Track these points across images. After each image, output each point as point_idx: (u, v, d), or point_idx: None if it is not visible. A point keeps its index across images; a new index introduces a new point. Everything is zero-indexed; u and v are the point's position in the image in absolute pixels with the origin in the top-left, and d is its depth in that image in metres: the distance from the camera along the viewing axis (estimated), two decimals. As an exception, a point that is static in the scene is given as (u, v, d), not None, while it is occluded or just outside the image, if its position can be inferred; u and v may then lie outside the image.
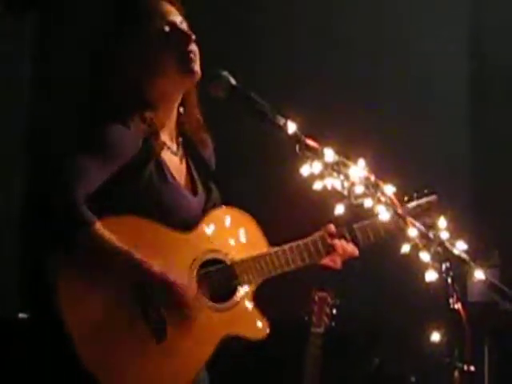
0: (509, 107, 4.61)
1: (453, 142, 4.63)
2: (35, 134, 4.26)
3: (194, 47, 2.59)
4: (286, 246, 2.71)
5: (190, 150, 2.72)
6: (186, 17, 2.64)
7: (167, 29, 2.58)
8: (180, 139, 2.70)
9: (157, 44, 2.57)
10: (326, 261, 2.80)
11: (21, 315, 3.50)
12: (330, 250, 2.77)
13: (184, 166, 2.69)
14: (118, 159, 2.47)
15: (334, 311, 3.54)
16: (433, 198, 2.88)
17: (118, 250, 2.39)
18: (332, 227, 2.79)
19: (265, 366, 4.02)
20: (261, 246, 2.71)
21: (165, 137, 2.63)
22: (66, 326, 2.33)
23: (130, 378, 2.40)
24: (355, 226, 2.81)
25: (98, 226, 2.37)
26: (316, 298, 3.55)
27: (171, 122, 2.66)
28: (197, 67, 2.59)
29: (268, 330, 2.65)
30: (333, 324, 3.54)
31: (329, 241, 2.77)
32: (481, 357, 3.96)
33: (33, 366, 2.45)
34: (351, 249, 2.80)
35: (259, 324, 2.65)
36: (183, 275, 2.50)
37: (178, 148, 2.68)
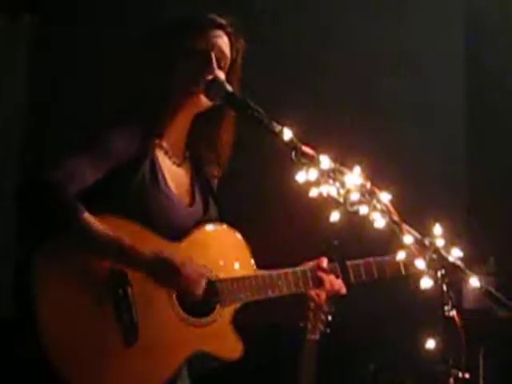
0: (505, 115, 4.61)
1: (449, 150, 4.63)
2: (30, 136, 4.25)
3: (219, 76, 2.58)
4: (274, 272, 2.70)
5: (195, 163, 2.72)
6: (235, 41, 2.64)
7: (203, 50, 2.58)
8: (187, 153, 2.69)
9: (183, 61, 2.57)
10: (312, 294, 2.80)
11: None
12: (318, 283, 2.76)
13: (187, 178, 2.68)
14: (113, 157, 2.46)
15: (330, 318, 3.54)
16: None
17: (108, 235, 2.38)
18: (325, 261, 2.79)
19: (260, 373, 4.01)
20: (248, 268, 2.69)
21: (169, 145, 2.62)
22: (37, 321, 2.33)
23: (96, 379, 2.39)
24: (348, 263, 2.80)
25: (87, 213, 2.36)
26: (311, 304, 3.55)
27: (180, 134, 2.66)
28: (202, 97, 2.58)
29: (241, 352, 2.62)
30: (328, 331, 3.53)
31: (318, 274, 2.75)
32: (476, 364, 3.96)
33: (14, 368, 2.44)
34: (338, 285, 2.79)
35: (233, 345, 2.63)
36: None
37: (183, 160, 2.67)
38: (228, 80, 2.59)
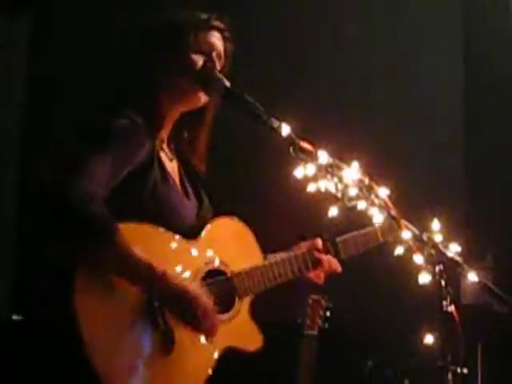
0: (504, 113, 4.61)
1: (447, 146, 4.63)
2: (29, 137, 4.25)
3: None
4: (278, 259, 2.72)
5: (183, 158, 2.73)
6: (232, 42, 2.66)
7: (203, 50, 2.58)
8: (172, 146, 2.70)
9: (185, 56, 2.57)
10: (311, 275, 2.82)
11: (14, 317, 3.49)
12: (317, 264, 2.78)
13: (178, 172, 2.69)
14: (132, 161, 2.43)
15: (328, 314, 3.54)
16: None
17: (140, 260, 2.34)
18: (319, 241, 2.81)
19: (258, 369, 4.01)
20: (257, 258, 2.72)
21: (163, 141, 2.64)
22: (78, 329, 2.28)
23: None
24: (338, 239, 2.83)
25: (121, 232, 2.31)
26: (310, 300, 3.55)
27: (169, 129, 2.67)
28: (201, 94, 2.58)
29: (262, 342, 2.66)
30: (326, 326, 3.54)
31: (316, 255, 2.78)
32: (474, 359, 3.96)
33: (26, 368, 2.44)
34: (335, 264, 2.82)
35: (255, 336, 2.67)
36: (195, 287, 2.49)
37: (172, 154, 2.68)
38: None
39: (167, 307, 2.41)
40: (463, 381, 2.12)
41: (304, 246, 2.81)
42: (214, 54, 2.60)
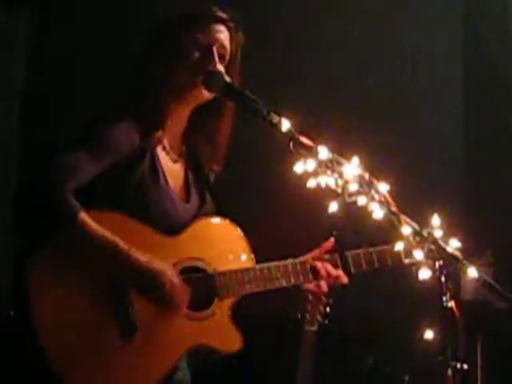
0: (504, 111, 4.61)
1: (447, 142, 4.64)
2: (28, 134, 4.25)
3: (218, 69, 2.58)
4: (272, 264, 2.69)
5: (191, 159, 2.71)
6: (236, 36, 2.65)
7: (204, 43, 2.58)
8: (183, 148, 2.69)
9: (185, 50, 2.57)
10: (311, 287, 2.79)
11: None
12: (315, 273, 2.75)
13: (182, 174, 2.67)
14: (113, 154, 2.45)
15: (328, 309, 3.54)
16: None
17: (105, 239, 2.37)
18: (323, 251, 2.78)
19: (257, 364, 4.01)
20: (246, 260, 2.68)
21: (167, 140, 2.62)
22: (33, 320, 2.32)
23: (95, 377, 2.38)
24: (348, 253, 2.79)
25: (84, 214, 2.35)
26: (310, 296, 3.55)
27: (178, 129, 2.65)
28: (203, 88, 2.57)
29: (241, 345, 2.61)
30: (326, 322, 3.53)
31: (313, 263, 2.74)
32: (474, 355, 3.96)
33: (11, 366, 2.44)
34: (336, 274, 2.77)
35: (233, 337, 2.62)
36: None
37: (179, 156, 2.67)
38: (228, 74, 2.59)
39: (129, 282, 2.40)
40: (463, 376, 2.12)
41: (306, 256, 2.78)
42: (214, 48, 2.59)
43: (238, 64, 2.68)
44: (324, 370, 3.63)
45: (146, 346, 2.44)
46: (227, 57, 2.64)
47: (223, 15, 2.64)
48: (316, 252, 2.78)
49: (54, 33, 4.22)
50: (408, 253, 2.73)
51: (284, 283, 2.69)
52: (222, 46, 2.61)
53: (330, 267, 2.76)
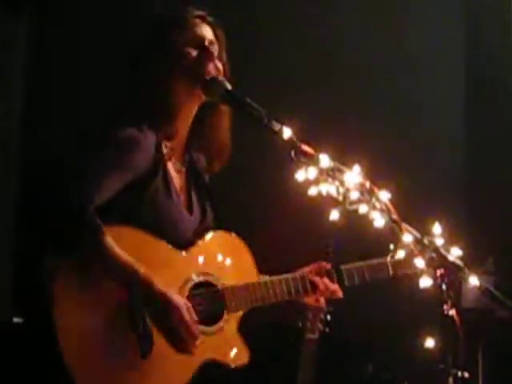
0: (505, 114, 4.61)
1: (448, 149, 4.63)
2: (28, 137, 4.25)
3: (211, 66, 2.58)
4: (275, 278, 2.71)
5: (192, 169, 2.71)
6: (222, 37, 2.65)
7: (195, 43, 2.58)
8: (186, 157, 2.69)
9: (181, 54, 2.57)
10: (310, 300, 2.82)
11: (15, 319, 3.48)
12: (314, 288, 2.78)
13: (184, 184, 2.68)
14: (136, 170, 2.46)
15: (328, 317, 3.53)
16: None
17: (124, 260, 2.37)
18: (321, 266, 2.80)
19: (258, 372, 4.01)
20: (251, 275, 2.70)
21: (173, 151, 2.62)
22: (55, 330, 2.32)
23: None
24: (343, 267, 2.82)
25: (106, 233, 2.35)
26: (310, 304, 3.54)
27: (182, 138, 2.65)
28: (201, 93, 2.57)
29: (248, 359, 2.64)
30: (327, 330, 3.53)
31: (312, 278, 2.77)
32: (475, 363, 3.96)
33: (26, 371, 2.44)
34: (333, 288, 2.80)
35: (241, 351, 2.64)
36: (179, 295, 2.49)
37: (182, 166, 2.67)
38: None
39: (147, 311, 2.40)
40: (464, 385, 2.12)
41: (304, 270, 2.80)
42: (207, 42, 2.59)
43: (223, 59, 2.67)
44: (324, 378, 3.63)
45: (162, 359, 2.45)
46: (216, 53, 2.64)
47: (200, 12, 2.64)
48: (314, 267, 2.79)
49: (54, 33, 4.21)
50: (395, 267, 2.78)
51: (286, 297, 2.72)
52: (211, 42, 2.61)
53: (328, 282, 2.79)
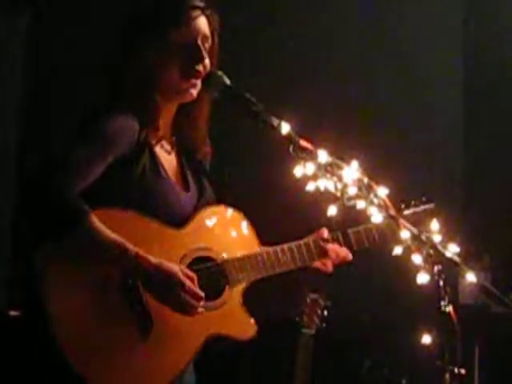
0: (503, 113, 4.62)
1: (446, 147, 4.64)
2: (28, 133, 4.25)
3: (200, 68, 2.57)
4: (279, 247, 2.70)
5: (183, 149, 2.72)
6: (217, 29, 2.63)
7: (188, 40, 2.55)
8: (173, 138, 2.69)
9: (172, 50, 2.55)
10: (318, 264, 2.80)
11: (12, 312, 3.49)
12: (323, 253, 2.77)
13: (176, 163, 2.68)
14: (116, 149, 2.45)
15: (326, 313, 3.54)
16: (430, 205, 2.87)
17: (113, 241, 2.37)
18: (325, 232, 2.79)
19: (255, 367, 4.01)
20: (253, 246, 2.69)
21: (161, 134, 2.62)
22: (51, 319, 2.32)
23: (114, 373, 2.39)
24: (349, 230, 2.80)
25: (93, 216, 2.35)
26: (308, 299, 3.55)
27: (168, 122, 2.66)
28: (193, 90, 2.57)
29: (255, 331, 2.63)
30: (324, 325, 3.53)
31: (321, 244, 2.76)
32: (472, 359, 3.97)
33: (23, 364, 2.44)
34: (344, 253, 2.80)
35: (246, 324, 2.63)
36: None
37: (171, 147, 2.67)
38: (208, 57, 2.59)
39: (142, 285, 2.40)
40: (461, 381, 2.12)
41: (310, 237, 2.78)
42: (199, 41, 2.57)
43: (217, 46, 2.66)
44: (322, 373, 3.63)
45: (163, 337, 2.44)
46: (210, 43, 2.62)
47: (197, 2, 2.60)
48: (317, 234, 2.78)
49: (54, 33, 4.22)
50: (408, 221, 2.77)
51: (292, 266, 2.70)
52: (205, 36, 2.59)
53: (337, 247, 2.78)
